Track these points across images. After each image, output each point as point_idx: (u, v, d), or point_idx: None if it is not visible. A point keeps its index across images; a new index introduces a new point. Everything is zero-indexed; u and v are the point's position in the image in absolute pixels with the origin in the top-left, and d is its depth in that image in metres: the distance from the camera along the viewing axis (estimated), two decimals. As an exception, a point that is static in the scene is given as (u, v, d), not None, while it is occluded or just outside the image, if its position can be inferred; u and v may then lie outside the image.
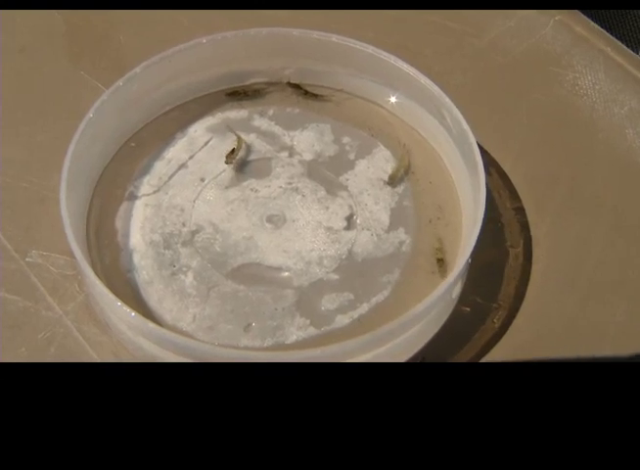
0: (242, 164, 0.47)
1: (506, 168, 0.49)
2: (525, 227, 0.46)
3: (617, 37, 0.55)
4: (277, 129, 0.49)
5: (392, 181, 0.47)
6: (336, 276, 0.43)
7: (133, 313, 0.38)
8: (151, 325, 0.38)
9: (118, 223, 0.45)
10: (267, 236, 0.45)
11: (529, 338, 0.43)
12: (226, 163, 0.47)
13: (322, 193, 0.46)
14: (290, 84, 0.50)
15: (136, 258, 0.44)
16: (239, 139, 0.48)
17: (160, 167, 0.47)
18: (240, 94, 0.50)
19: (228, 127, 0.48)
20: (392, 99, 0.49)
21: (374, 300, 0.43)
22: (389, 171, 0.47)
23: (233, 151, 0.47)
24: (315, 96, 0.50)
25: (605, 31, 0.55)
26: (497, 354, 0.42)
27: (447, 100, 0.45)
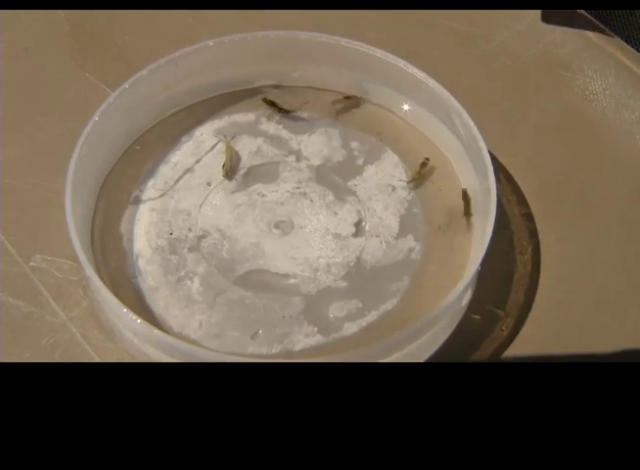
0: (249, 168, 0.47)
1: (515, 174, 0.48)
2: (534, 234, 0.46)
3: (625, 40, 0.54)
4: (284, 133, 0.48)
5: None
6: (344, 283, 0.43)
7: (139, 320, 0.38)
8: (156, 332, 0.38)
9: (124, 228, 0.45)
10: (274, 242, 0.44)
11: (538, 346, 0.42)
12: (224, 176, 0.46)
13: (330, 198, 0.46)
14: (265, 101, 0.49)
15: (141, 264, 0.43)
16: (227, 148, 0.47)
17: (166, 171, 0.47)
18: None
19: (217, 136, 0.48)
20: (401, 103, 0.49)
21: (382, 308, 0.42)
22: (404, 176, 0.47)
23: (224, 165, 0.46)
24: (288, 112, 0.49)
25: (615, 36, 0.54)
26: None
27: (457, 104, 0.45)
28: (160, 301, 0.42)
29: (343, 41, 0.47)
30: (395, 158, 0.48)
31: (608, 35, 0.54)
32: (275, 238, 0.44)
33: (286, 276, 0.43)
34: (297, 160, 0.47)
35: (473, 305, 0.43)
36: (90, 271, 0.39)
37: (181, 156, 0.47)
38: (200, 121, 0.49)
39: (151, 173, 0.47)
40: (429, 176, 0.47)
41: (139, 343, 0.40)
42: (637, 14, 0.53)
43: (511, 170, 0.48)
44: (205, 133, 0.48)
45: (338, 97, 0.49)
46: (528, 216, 0.47)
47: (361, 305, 0.42)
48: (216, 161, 0.47)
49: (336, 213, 0.45)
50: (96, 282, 0.39)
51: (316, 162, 0.47)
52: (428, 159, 0.47)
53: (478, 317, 0.43)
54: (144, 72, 0.45)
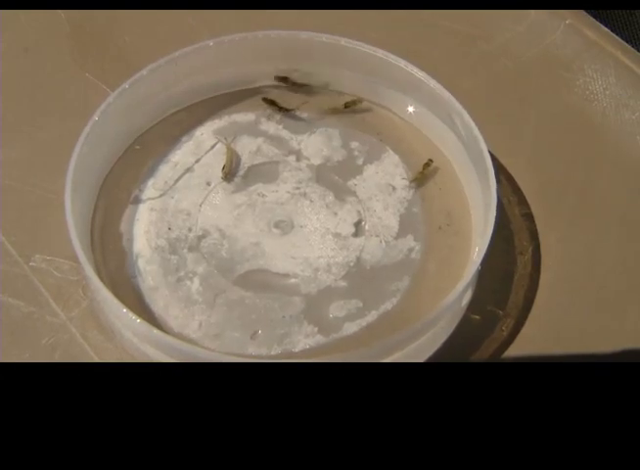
0: (248, 168, 0.47)
1: (515, 174, 0.48)
2: (534, 234, 0.46)
3: (625, 40, 0.54)
4: (285, 133, 0.48)
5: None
6: (344, 283, 0.43)
7: (138, 320, 0.38)
8: (156, 332, 0.38)
9: (123, 228, 0.44)
10: (274, 242, 0.44)
11: (538, 346, 0.42)
12: (223, 179, 0.46)
13: (330, 198, 0.46)
14: (265, 100, 0.49)
15: (141, 264, 0.43)
16: (228, 150, 0.47)
17: (166, 171, 0.47)
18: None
19: (218, 138, 0.48)
20: (402, 103, 0.49)
21: (382, 308, 0.42)
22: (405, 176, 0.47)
23: (224, 167, 0.46)
24: (287, 111, 0.49)
25: (615, 36, 0.54)
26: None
27: (458, 105, 0.45)
28: (159, 301, 0.42)
29: (344, 41, 0.47)
30: (396, 158, 0.48)
31: (608, 35, 0.54)
32: (275, 238, 0.44)
33: (286, 276, 0.43)
34: (298, 159, 0.47)
35: (473, 306, 0.43)
36: (90, 271, 0.39)
37: (181, 155, 0.47)
38: (200, 121, 0.49)
39: (151, 173, 0.46)
40: (429, 176, 0.47)
41: (139, 343, 0.40)
42: (637, 14, 0.53)
43: (511, 171, 0.48)
44: (206, 133, 0.48)
45: (340, 100, 0.49)
46: (529, 217, 0.46)
47: (361, 304, 0.42)
48: (216, 160, 0.47)
49: (336, 213, 0.45)
50: (96, 282, 0.39)
51: (316, 161, 0.47)
52: (431, 160, 0.47)
53: (478, 317, 0.43)
54: (144, 72, 0.45)
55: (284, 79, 0.49)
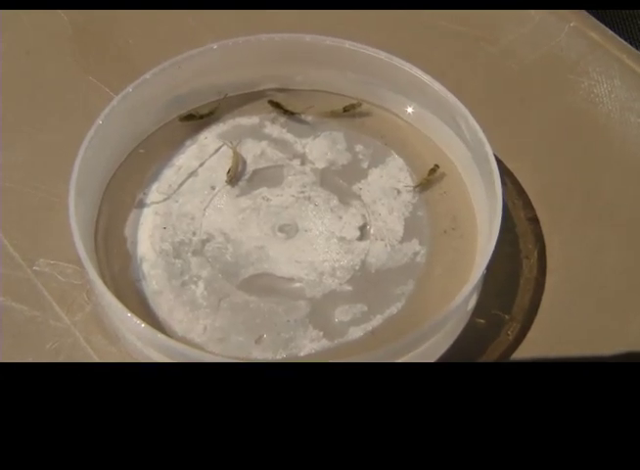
0: (253, 172, 0.47)
1: (520, 178, 0.48)
2: (539, 238, 0.46)
3: (630, 43, 0.54)
4: (289, 137, 0.48)
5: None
6: (349, 287, 0.43)
7: (142, 324, 0.38)
8: (161, 337, 0.38)
9: (127, 231, 0.44)
10: (279, 246, 0.44)
11: (544, 350, 0.42)
12: (228, 182, 0.46)
13: (335, 202, 0.46)
14: (271, 103, 0.49)
15: (145, 268, 0.43)
16: (235, 154, 0.47)
17: (170, 175, 0.47)
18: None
19: (224, 141, 0.48)
20: (406, 107, 0.49)
21: (387, 312, 0.42)
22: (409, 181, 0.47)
23: (229, 171, 0.46)
24: (292, 114, 0.49)
25: (620, 38, 0.54)
26: (511, 367, 0.42)
27: (462, 108, 0.45)
28: (164, 305, 0.42)
29: (348, 44, 0.47)
30: (400, 161, 0.47)
31: (613, 38, 0.54)
32: (280, 242, 0.44)
33: (291, 280, 0.43)
34: (302, 163, 0.47)
35: (478, 310, 0.43)
36: (94, 275, 0.39)
37: (185, 159, 0.47)
38: (204, 125, 0.48)
39: (155, 177, 0.46)
40: (434, 180, 0.47)
41: (143, 347, 0.40)
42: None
43: (516, 174, 0.48)
44: (210, 137, 0.48)
45: (342, 103, 0.49)
46: (534, 220, 0.46)
47: (366, 308, 0.42)
48: (220, 164, 0.47)
49: (340, 217, 0.45)
50: (100, 286, 0.39)
51: (321, 165, 0.47)
52: (437, 165, 0.47)
53: (483, 321, 0.43)
54: (147, 76, 0.45)
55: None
